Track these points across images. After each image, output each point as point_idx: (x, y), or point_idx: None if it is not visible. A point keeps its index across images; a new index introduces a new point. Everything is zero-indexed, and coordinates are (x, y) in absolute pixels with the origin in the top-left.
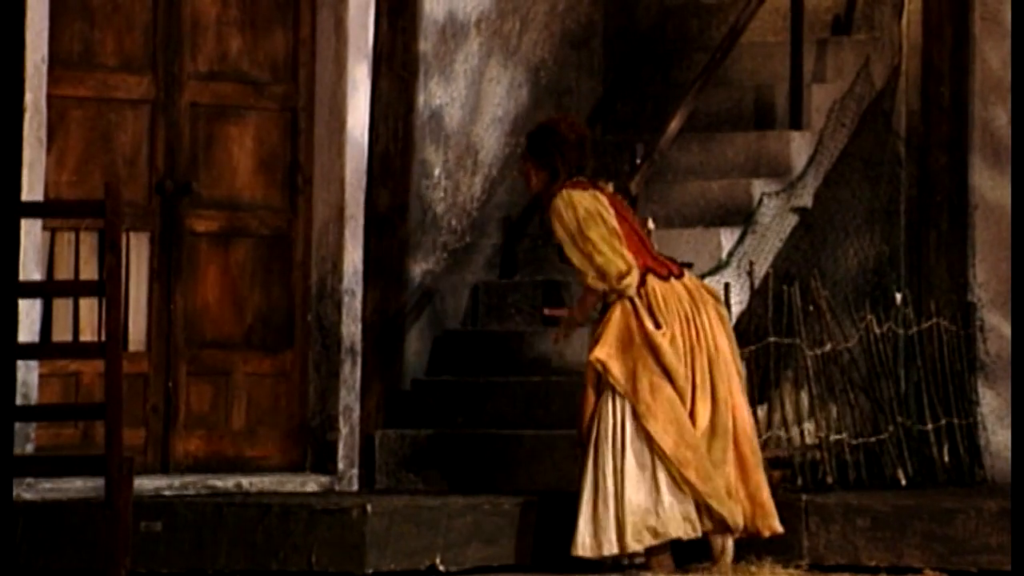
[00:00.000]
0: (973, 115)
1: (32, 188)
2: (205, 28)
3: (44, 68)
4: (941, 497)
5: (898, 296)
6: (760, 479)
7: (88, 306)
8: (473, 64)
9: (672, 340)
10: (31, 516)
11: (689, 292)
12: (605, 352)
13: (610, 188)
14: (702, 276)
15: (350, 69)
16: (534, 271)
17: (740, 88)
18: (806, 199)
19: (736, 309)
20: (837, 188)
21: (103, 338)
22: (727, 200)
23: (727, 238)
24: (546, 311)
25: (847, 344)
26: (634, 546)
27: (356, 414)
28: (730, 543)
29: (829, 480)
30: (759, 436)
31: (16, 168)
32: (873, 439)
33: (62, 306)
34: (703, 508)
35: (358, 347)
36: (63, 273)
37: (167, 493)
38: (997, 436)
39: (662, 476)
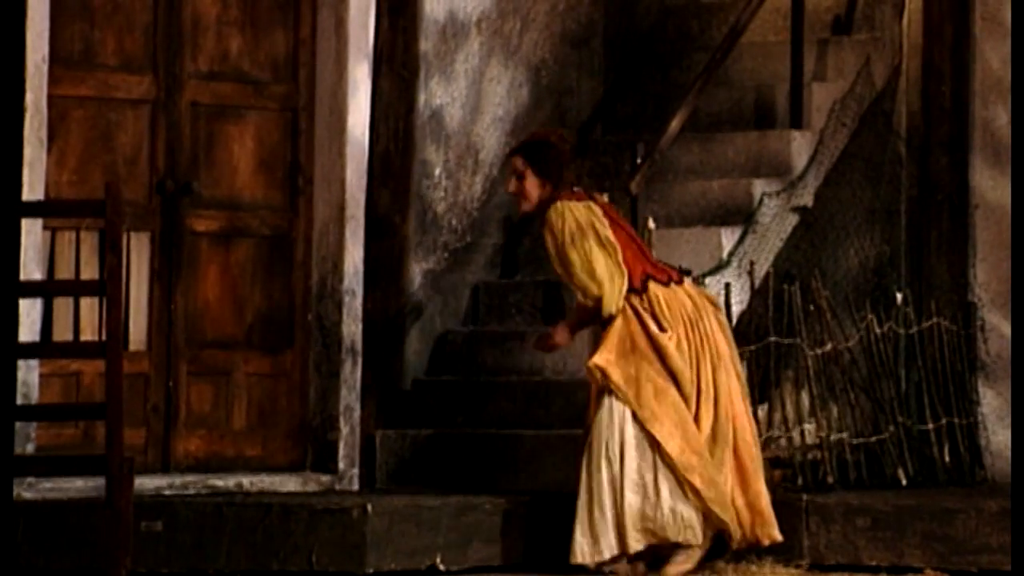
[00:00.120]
0: (974, 115)
1: (33, 188)
2: (206, 28)
3: (45, 68)
4: (942, 497)
5: (899, 296)
6: (759, 488)
7: (89, 306)
8: (474, 64)
9: (678, 344)
10: (32, 516)
11: (691, 298)
12: (604, 358)
13: (604, 198)
14: (703, 276)
15: (351, 69)
16: (535, 271)
17: (741, 88)
18: (807, 199)
19: (737, 309)
20: (838, 188)
21: (104, 338)
22: (728, 200)
23: (728, 238)
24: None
25: (848, 344)
26: (635, 545)
27: (356, 414)
28: (687, 565)
29: (830, 480)
30: (760, 436)
31: (17, 168)
32: (874, 439)
33: (63, 306)
34: (705, 516)
35: (359, 347)
36: (64, 273)
37: (168, 493)
38: (998, 436)
39: (663, 481)
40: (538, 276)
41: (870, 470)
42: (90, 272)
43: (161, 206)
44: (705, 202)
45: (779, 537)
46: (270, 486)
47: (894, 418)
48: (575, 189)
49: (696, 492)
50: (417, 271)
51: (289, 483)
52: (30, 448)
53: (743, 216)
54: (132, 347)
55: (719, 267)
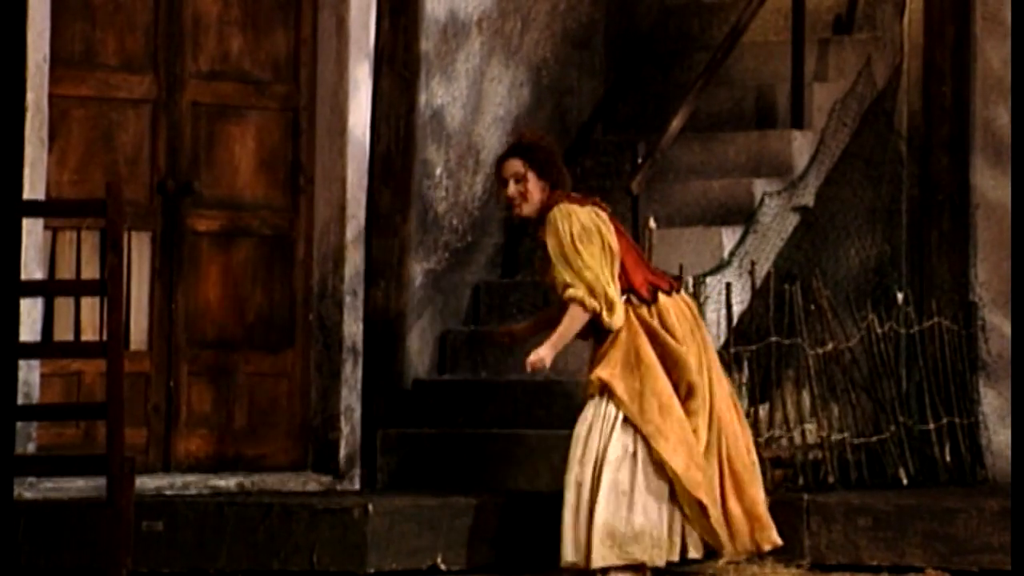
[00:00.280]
0: (974, 115)
1: (34, 187)
2: (206, 28)
3: (46, 68)
4: (943, 497)
5: (899, 295)
6: (755, 494)
7: (89, 305)
8: (474, 63)
9: (694, 355)
10: (33, 515)
11: (688, 306)
12: (608, 372)
13: (605, 206)
14: (703, 275)
15: (351, 69)
16: (535, 271)
17: (741, 87)
18: (807, 198)
19: (738, 309)
20: (838, 187)
21: (105, 337)
22: (728, 199)
23: (728, 237)
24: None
25: (848, 344)
26: (599, 562)
27: (357, 414)
28: None
29: (831, 480)
30: (760, 436)
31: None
32: (875, 438)
33: (63, 305)
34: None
35: (359, 347)
36: (64, 272)
37: (168, 492)
38: (999, 436)
39: (638, 496)
40: (539, 276)
41: (871, 470)
42: (91, 272)
43: (162, 206)
44: (706, 202)
45: (779, 541)
46: (271, 486)
47: (895, 418)
48: (574, 194)
49: (703, 510)
50: (418, 271)
51: (290, 483)
52: (31, 448)
53: (744, 216)
54: (133, 347)
55: (720, 267)
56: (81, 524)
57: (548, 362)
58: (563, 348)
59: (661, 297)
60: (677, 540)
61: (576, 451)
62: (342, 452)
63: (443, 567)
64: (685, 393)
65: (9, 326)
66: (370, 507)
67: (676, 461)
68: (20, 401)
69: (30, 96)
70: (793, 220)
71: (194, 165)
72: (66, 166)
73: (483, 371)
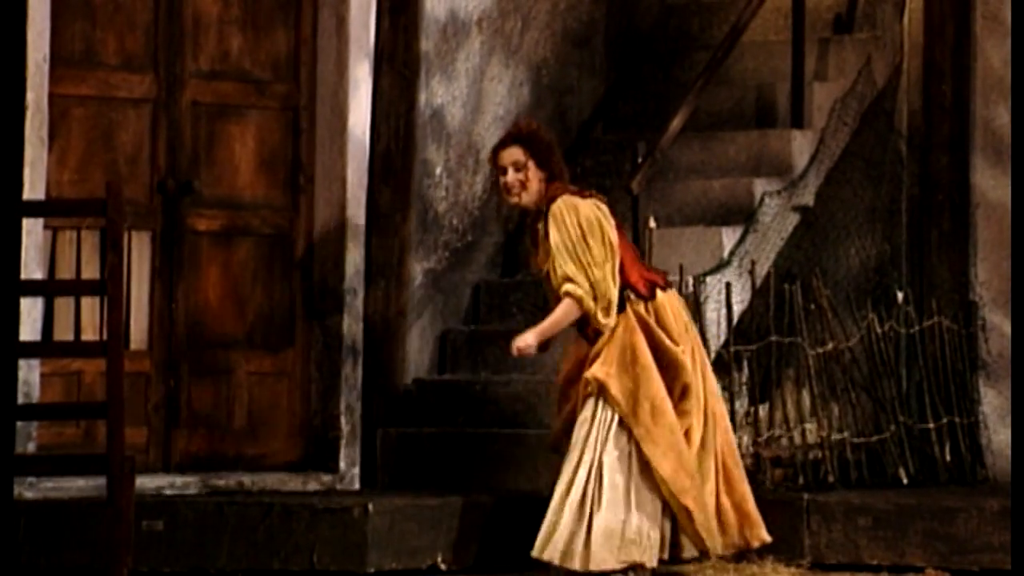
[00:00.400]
0: (975, 114)
1: (34, 187)
2: (207, 27)
3: (46, 67)
4: (943, 496)
5: (899, 295)
6: (745, 490)
7: (90, 305)
8: (475, 63)
9: (688, 355)
10: (33, 515)
11: (680, 303)
12: (604, 371)
13: (603, 198)
14: (704, 275)
15: (351, 68)
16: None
17: (742, 87)
18: (807, 198)
19: (738, 308)
20: (839, 187)
21: (105, 337)
22: (728, 199)
23: (728, 237)
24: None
25: (849, 343)
26: (600, 565)
27: (357, 413)
28: None
29: (831, 479)
30: (760, 435)
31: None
32: (875, 438)
33: (64, 305)
34: (688, 535)
35: (359, 346)
36: (64, 272)
37: (169, 492)
38: (999, 435)
39: (634, 498)
40: (534, 268)
41: (871, 469)
42: (91, 271)
43: (162, 205)
44: (706, 201)
45: (767, 538)
46: (271, 485)
47: (895, 417)
48: (570, 186)
49: (689, 515)
50: (418, 270)
51: (290, 482)
52: (31, 447)
53: (744, 215)
54: (133, 346)
55: (720, 266)
56: (81, 524)
57: (534, 348)
58: (555, 338)
59: (658, 293)
60: (667, 538)
61: (574, 454)
62: (342, 451)
63: (443, 567)
64: (680, 394)
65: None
66: (370, 506)
67: (664, 466)
68: (20, 400)
69: (30, 95)
70: (793, 219)
71: (194, 164)
72: (66, 166)
73: (483, 371)
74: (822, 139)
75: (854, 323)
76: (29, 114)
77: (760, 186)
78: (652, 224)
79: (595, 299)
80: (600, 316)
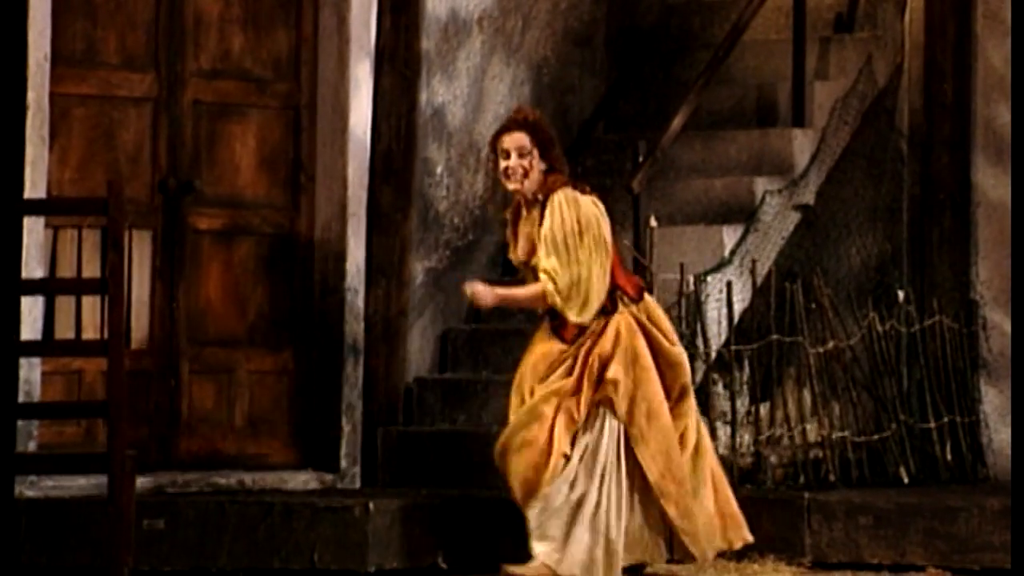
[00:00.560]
0: (975, 113)
1: (35, 186)
2: (208, 26)
3: (47, 66)
4: (944, 495)
5: (900, 294)
6: (727, 492)
7: (91, 304)
8: (475, 62)
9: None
10: (34, 514)
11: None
12: (618, 372)
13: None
14: (705, 274)
15: (352, 67)
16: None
17: (743, 86)
18: (808, 197)
19: (739, 307)
20: (839, 186)
21: (105, 336)
22: (730, 198)
23: (729, 236)
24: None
25: (849, 342)
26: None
27: (358, 412)
28: None
29: (832, 478)
30: (761, 434)
31: (19, 166)
32: (876, 437)
33: (64, 304)
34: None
35: (360, 345)
36: (65, 271)
37: (169, 491)
38: (1000, 434)
39: (637, 498)
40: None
41: (872, 468)
42: (92, 270)
43: (163, 204)
44: (707, 200)
45: (750, 538)
46: (272, 484)
47: (896, 416)
48: (574, 181)
49: (669, 520)
50: (419, 269)
51: (291, 481)
52: (32, 446)
53: (745, 214)
54: (134, 345)
55: (721, 265)
56: (82, 522)
57: (487, 304)
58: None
59: (646, 296)
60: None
61: (585, 465)
62: (343, 450)
63: (443, 566)
64: (679, 394)
65: (10, 324)
66: (371, 505)
67: (652, 469)
68: (21, 399)
69: (31, 95)
70: (794, 218)
71: (195, 163)
72: (67, 164)
73: (484, 369)
74: (823, 138)
75: (855, 322)
76: (30, 113)
77: (761, 185)
78: (653, 223)
79: (568, 298)
80: (572, 314)
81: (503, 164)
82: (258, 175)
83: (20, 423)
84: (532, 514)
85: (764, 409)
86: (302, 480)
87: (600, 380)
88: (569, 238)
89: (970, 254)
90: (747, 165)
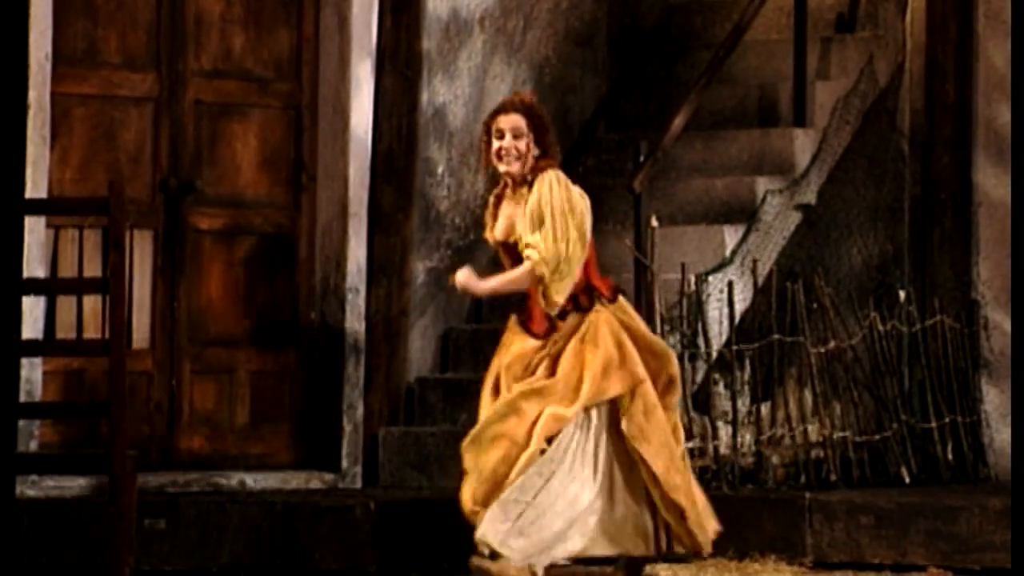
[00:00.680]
0: (977, 113)
1: (36, 186)
2: (209, 26)
3: (48, 66)
4: (945, 495)
5: (902, 294)
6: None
7: (92, 303)
8: (477, 62)
9: None
10: (35, 513)
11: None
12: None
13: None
14: (706, 273)
15: (354, 67)
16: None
17: (744, 86)
18: (810, 197)
19: (740, 307)
20: (841, 186)
21: (107, 335)
22: (731, 197)
23: (731, 235)
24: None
25: (851, 342)
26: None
27: (360, 411)
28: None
29: (833, 478)
30: (762, 434)
31: (20, 165)
32: (877, 437)
33: (66, 303)
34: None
35: (362, 344)
36: (67, 270)
37: (171, 490)
38: (1001, 434)
39: (618, 493)
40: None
41: (873, 468)
42: (93, 270)
43: (164, 204)
44: (708, 200)
45: (717, 527)
46: (273, 484)
47: (897, 416)
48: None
49: (682, 513)
50: (420, 269)
51: (292, 481)
52: (33, 446)
53: (746, 214)
54: (135, 345)
55: (722, 265)
56: (83, 522)
57: (477, 294)
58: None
59: (620, 297)
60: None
61: (584, 469)
62: (344, 450)
63: (445, 565)
64: (664, 386)
65: (11, 324)
66: (372, 505)
67: (657, 464)
68: (22, 399)
69: (32, 94)
70: (795, 218)
71: (196, 163)
72: (68, 164)
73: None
74: (824, 138)
75: (856, 322)
76: (31, 113)
77: (762, 185)
78: (654, 223)
79: (555, 271)
80: (553, 292)
81: (496, 144)
82: (259, 175)
83: (21, 423)
84: (497, 508)
85: (765, 409)
86: (303, 480)
87: (587, 381)
88: (558, 214)
89: (971, 254)
90: (748, 165)
